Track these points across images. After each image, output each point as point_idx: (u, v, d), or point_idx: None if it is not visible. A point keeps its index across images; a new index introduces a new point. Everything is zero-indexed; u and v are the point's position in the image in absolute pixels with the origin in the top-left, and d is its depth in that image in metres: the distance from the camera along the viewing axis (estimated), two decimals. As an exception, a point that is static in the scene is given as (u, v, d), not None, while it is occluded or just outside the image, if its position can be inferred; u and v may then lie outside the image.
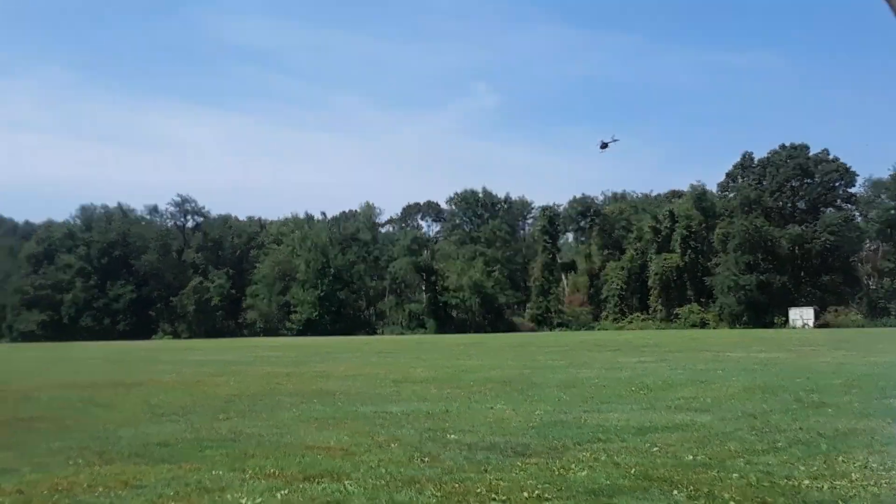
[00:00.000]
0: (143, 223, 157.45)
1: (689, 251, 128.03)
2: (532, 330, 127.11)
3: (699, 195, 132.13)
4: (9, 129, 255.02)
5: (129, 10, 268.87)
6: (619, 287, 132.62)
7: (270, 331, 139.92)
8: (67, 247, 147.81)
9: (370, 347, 61.44)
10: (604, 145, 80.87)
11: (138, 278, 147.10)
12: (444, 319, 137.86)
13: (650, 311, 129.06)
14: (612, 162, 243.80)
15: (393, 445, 13.17)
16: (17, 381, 29.45)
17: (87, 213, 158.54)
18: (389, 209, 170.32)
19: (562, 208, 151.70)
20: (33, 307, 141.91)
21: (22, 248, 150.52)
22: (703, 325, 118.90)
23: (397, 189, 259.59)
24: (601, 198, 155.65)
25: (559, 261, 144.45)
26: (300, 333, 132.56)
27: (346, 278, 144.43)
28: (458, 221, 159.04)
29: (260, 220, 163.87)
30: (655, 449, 12.38)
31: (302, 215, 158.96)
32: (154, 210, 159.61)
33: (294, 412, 17.85)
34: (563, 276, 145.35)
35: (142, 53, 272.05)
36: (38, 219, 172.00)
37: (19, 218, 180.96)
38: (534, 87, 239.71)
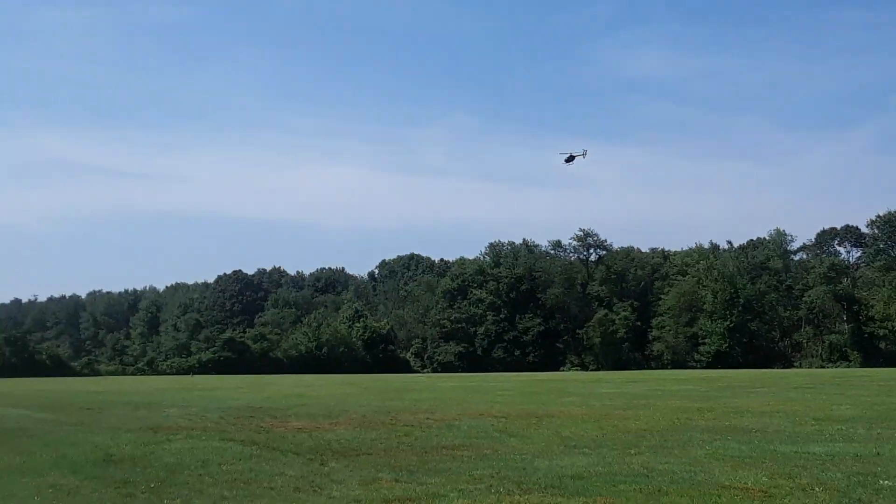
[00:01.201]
0: (548, 258, 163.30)
1: None
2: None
3: None
4: (424, 174, 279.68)
5: (525, 53, 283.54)
6: None
7: (678, 363, 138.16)
8: (479, 282, 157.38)
9: (787, 381, 58.26)
10: (570, 158, 70.25)
11: (545, 311, 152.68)
12: (871, 352, 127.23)
13: None
14: None
15: (817, 489, 12.40)
16: (441, 410, 31.85)
17: (495, 250, 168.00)
18: (802, 235, 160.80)
19: None
20: (451, 339, 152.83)
21: (439, 284, 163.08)
22: None
23: (809, 214, 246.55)
24: None
25: None
26: (709, 366, 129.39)
27: (757, 308, 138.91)
28: (881, 246, 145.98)
29: (663, 251, 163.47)
30: None
31: (707, 245, 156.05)
32: (558, 245, 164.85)
33: (707, 449, 17.46)
34: None
35: (538, 94, 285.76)
36: (451, 256, 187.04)
37: (436, 256, 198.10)
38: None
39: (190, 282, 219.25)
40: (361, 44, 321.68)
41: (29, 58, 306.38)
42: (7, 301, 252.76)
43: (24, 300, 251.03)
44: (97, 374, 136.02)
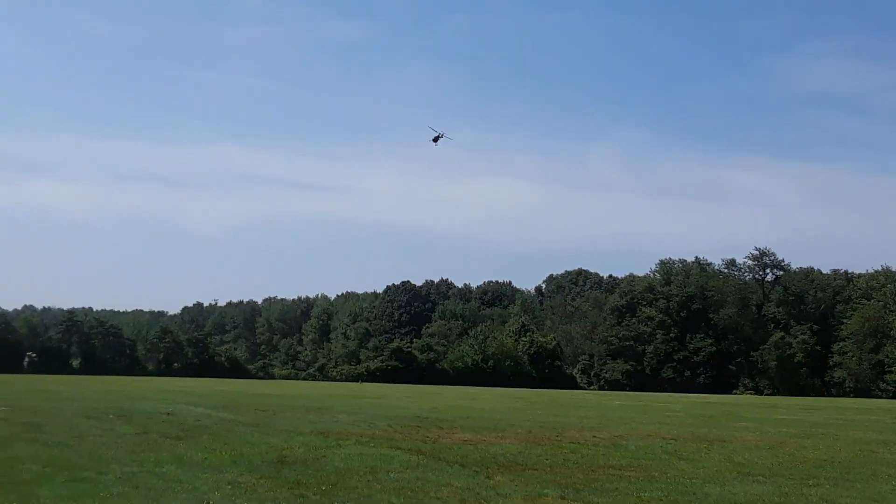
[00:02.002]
0: (721, 277, 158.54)
1: None
2: None
3: None
4: (593, 189, 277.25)
5: (699, 65, 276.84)
6: None
7: (861, 391, 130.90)
8: (648, 300, 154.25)
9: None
10: (436, 139, 64.99)
11: (717, 332, 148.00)
12: None
13: None
14: None
15: None
16: (608, 428, 31.48)
17: (665, 267, 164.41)
18: None
19: None
20: (618, 357, 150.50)
21: (607, 301, 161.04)
22: None
23: None
24: None
25: None
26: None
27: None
28: None
29: (846, 272, 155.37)
30: None
31: (894, 268, 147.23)
32: (731, 264, 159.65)
33: (893, 484, 16.53)
34: None
35: (713, 107, 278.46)
36: (620, 273, 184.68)
37: (604, 272, 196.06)
38: None
39: (360, 291, 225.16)
40: (530, 57, 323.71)
41: (215, 74, 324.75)
42: (190, 304, 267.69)
43: (206, 304, 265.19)
44: (271, 377, 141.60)
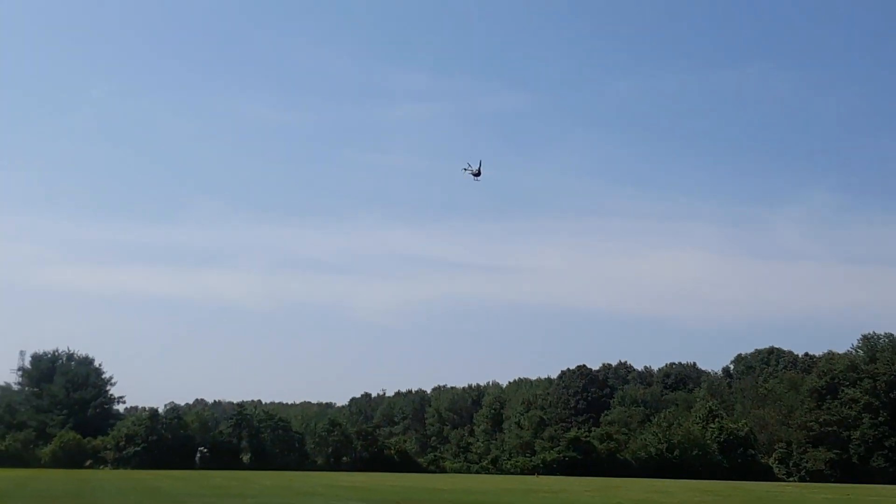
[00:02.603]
0: None
1: None
2: None
3: None
4: (781, 258, 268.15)
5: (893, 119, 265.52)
6: None
7: None
8: (851, 380, 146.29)
9: None
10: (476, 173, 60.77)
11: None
12: None
13: None
14: None
15: None
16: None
17: (869, 342, 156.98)
18: None
19: None
20: (819, 444, 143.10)
21: (804, 382, 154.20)
22: None
23: None
24: None
25: None
26: None
27: None
28: None
29: None
30: None
31: None
32: None
33: None
34: None
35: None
36: (818, 350, 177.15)
37: (799, 350, 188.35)
38: None
39: (533, 377, 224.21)
40: (702, 118, 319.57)
41: (377, 155, 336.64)
42: (358, 395, 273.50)
43: (374, 394, 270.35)
44: (443, 470, 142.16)
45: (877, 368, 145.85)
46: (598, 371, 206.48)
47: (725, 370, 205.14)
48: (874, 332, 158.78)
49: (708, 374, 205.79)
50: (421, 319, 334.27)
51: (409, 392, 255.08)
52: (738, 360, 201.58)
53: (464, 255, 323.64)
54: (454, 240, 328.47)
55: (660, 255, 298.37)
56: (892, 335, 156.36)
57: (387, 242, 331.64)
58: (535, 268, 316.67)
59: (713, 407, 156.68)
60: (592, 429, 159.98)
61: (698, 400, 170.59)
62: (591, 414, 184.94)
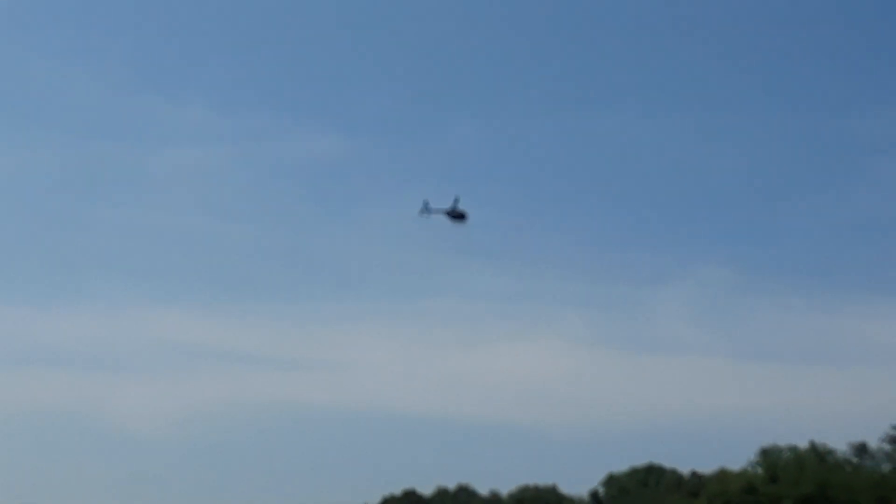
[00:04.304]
0: (849, 469, 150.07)
1: None
2: None
3: None
4: (662, 350, 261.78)
5: (799, 176, 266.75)
6: None
7: None
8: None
9: None
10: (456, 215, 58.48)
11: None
12: None
13: None
14: None
15: None
16: None
17: (770, 458, 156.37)
18: None
19: None
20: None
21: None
22: None
23: None
24: None
25: None
26: None
27: None
28: None
29: None
30: None
31: None
32: (862, 450, 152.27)
33: None
34: None
35: (819, 234, 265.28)
36: (707, 467, 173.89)
37: (684, 467, 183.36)
38: None
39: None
40: (563, 172, 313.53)
41: (138, 210, 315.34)
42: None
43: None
44: None
45: (779, 490, 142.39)
46: (431, 499, 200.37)
47: (593, 494, 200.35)
48: (775, 444, 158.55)
49: (571, 499, 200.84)
50: (199, 431, 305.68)
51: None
52: (610, 480, 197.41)
53: (258, 347, 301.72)
54: (246, 326, 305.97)
55: (507, 345, 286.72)
56: (796, 447, 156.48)
57: (153, 328, 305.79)
58: (348, 363, 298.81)
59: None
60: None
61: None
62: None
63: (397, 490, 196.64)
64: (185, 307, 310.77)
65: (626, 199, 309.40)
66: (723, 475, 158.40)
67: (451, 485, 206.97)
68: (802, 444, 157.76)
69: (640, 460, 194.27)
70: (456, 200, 58.81)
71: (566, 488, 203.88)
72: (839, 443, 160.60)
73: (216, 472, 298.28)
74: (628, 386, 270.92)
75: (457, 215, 57.11)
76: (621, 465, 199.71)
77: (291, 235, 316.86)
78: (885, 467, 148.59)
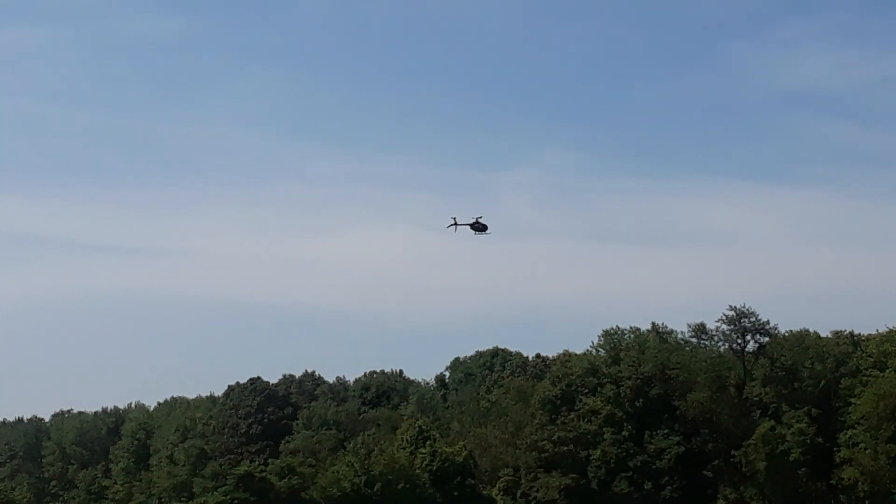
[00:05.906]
0: (688, 350, 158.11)
1: None
2: None
3: None
4: (508, 234, 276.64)
5: (642, 63, 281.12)
6: None
7: (879, 496, 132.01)
8: (591, 386, 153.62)
9: None
10: (479, 227, 73.00)
11: (686, 425, 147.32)
12: None
13: None
14: None
15: None
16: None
17: (612, 339, 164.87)
18: None
19: None
20: (553, 468, 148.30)
21: (535, 391, 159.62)
22: None
23: None
24: None
25: None
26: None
27: None
28: None
29: (852, 334, 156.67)
30: None
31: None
32: (700, 330, 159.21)
33: None
34: None
35: (662, 119, 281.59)
36: (551, 350, 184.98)
37: (529, 351, 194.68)
38: None
39: (190, 395, 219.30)
40: (416, 56, 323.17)
41: None
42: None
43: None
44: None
45: (620, 371, 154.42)
46: (276, 385, 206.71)
47: (439, 379, 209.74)
48: (617, 327, 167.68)
49: (418, 384, 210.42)
50: (35, 319, 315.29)
51: (19, 421, 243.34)
52: (455, 365, 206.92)
53: (96, 234, 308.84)
54: (82, 212, 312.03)
55: (353, 231, 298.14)
56: (638, 329, 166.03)
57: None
58: (193, 250, 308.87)
59: (424, 426, 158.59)
60: (270, 461, 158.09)
61: (405, 418, 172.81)
62: (268, 441, 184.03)
63: (243, 378, 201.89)
64: (17, 195, 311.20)
65: (474, 83, 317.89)
66: (566, 357, 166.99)
67: (298, 373, 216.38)
68: (644, 325, 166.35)
69: (486, 345, 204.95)
70: (478, 218, 69.36)
71: (413, 374, 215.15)
72: (678, 323, 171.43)
73: (49, 364, 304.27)
74: (474, 270, 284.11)
75: (480, 227, 66.65)
76: (467, 350, 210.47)
77: (134, 120, 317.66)
78: (722, 347, 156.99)
